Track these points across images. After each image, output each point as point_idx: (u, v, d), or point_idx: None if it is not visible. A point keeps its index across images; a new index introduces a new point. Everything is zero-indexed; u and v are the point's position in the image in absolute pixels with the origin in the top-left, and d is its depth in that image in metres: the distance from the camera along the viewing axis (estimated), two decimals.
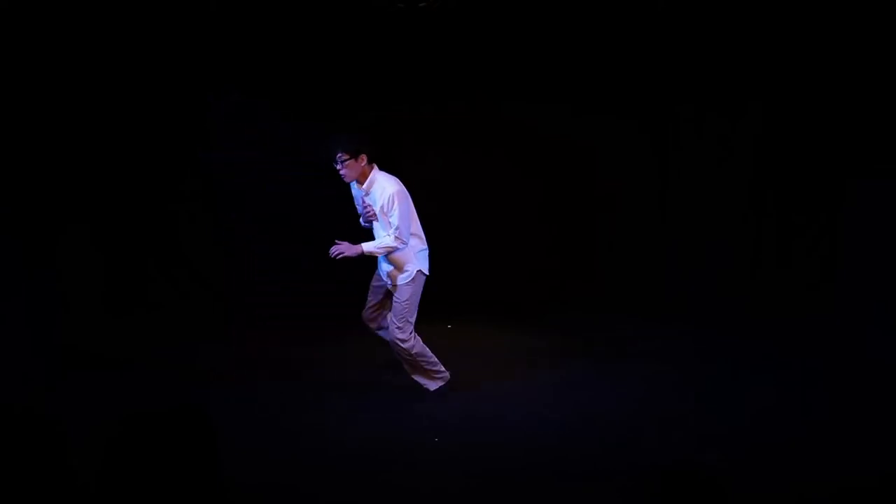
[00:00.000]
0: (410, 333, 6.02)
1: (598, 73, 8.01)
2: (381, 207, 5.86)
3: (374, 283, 6.31)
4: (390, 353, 6.95)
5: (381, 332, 6.34)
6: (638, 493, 4.46)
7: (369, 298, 6.32)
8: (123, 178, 7.83)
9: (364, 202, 5.99)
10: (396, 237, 5.83)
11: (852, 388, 6.09)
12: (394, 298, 6.05)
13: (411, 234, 5.95)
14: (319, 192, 8.45)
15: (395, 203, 5.83)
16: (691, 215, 8.00)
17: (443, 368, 6.21)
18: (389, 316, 6.11)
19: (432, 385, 6.18)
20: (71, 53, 7.19)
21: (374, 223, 6.00)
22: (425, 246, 6.13)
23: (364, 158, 5.88)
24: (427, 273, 6.11)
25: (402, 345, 6.01)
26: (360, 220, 6.16)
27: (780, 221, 7.79)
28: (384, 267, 6.11)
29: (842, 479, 4.73)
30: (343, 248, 5.87)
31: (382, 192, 5.86)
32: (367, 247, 5.88)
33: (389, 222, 5.85)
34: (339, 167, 5.88)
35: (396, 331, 6.00)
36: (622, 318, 7.84)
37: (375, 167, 5.97)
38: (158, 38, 7.62)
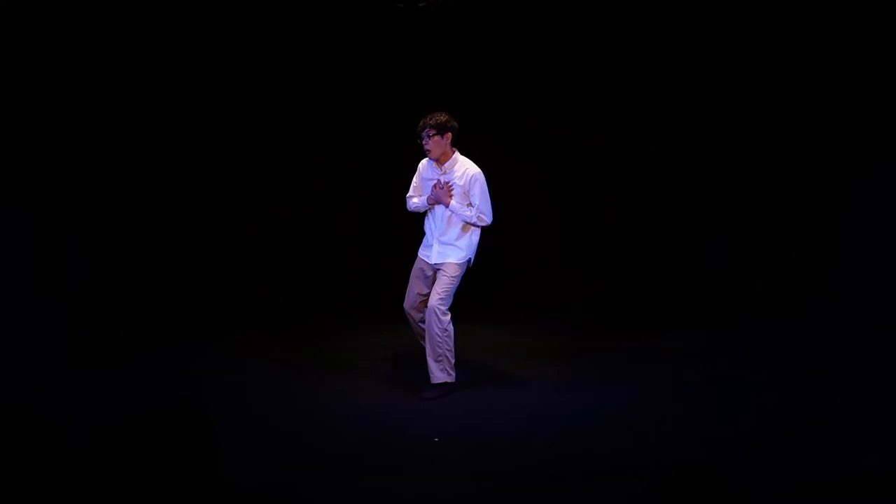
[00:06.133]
0: (449, 308, 6.18)
1: (598, 70, 8.00)
2: (463, 186, 6.17)
3: (418, 268, 6.39)
4: (395, 351, 6.97)
5: (423, 325, 6.29)
6: (645, 493, 4.45)
7: (416, 289, 6.37)
8: (123, 179, 7.83)
9: (438, 183, 6.21)
10: (479, 216, 6.18)
11: (854, 387, 6.09)
12: (441, 273, 6.23)
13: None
14: (318, 188, 8.49)
15: (479, 183, 6.18)
16: (692, 215, 7.99)
17: (453, 368, 6.22)
18: (433, 290, 6.21)
19: (438, 377, 6.17)
20: (70, 54, 7.19)
21: (434, 210, 6.27)
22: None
23: (450, 137, 6.20)
24: (473, 264, 6.34)
25: (440, 315, 6.11)
26: (414, 199, 6.40)
27: (781, 220, 7.78)
28: (441, 242, 6.25)
29: (843, 479, 4.72)
30: (441, 195, 6.15)
31: (465, 172, 6.21)
32: (454, 204, 6.18)
33: (470, 203, 6.17)
34: (424, 142, 6.16)
35: (438, 301, 6.13)
36: (623, 317, 7.84)
37: (457, 150, 6.26)
38: (158, 37, 7.62)
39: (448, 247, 6.28)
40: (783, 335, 7.17)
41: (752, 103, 7.68)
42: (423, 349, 6.28)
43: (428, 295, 6.26)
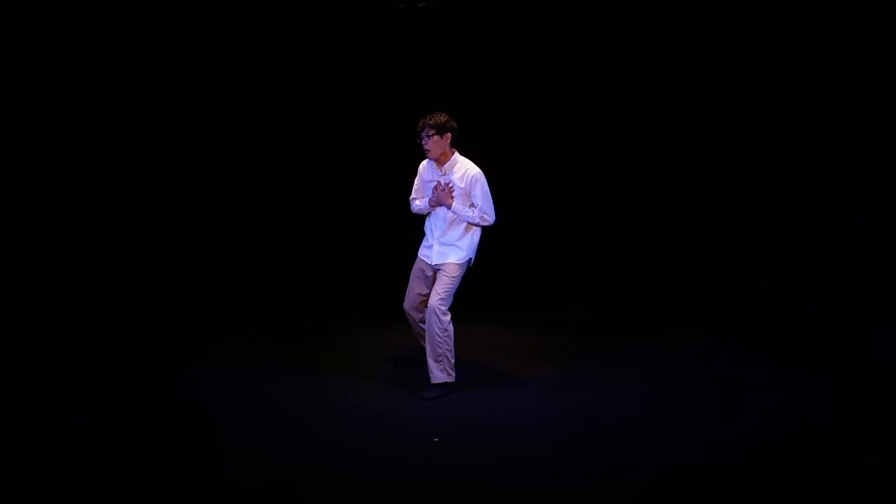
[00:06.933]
0: (449, 308, 6.18)
1: (598, 70, 8.00)
2: (464, 187, 6.19)
3: (418, 268, 6.40)
4: (395, 351, 6.97)
5: (423, 325, 6.30)
6: (645, 493, 4.45)
7: (416, 289, 6.38)
8: (123, 179, 7.82)
9: (439, 184, 6.24)
10: (482, 216, 6.20)
11: (854, 387, 6.08)
12: (441, 273, 6.23)
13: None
14: (318, 188, 8.49)
15: (479, 183, 6.19)
16: (692, 215, 7.99)
17: (453, 368, 6.23)
18: (433, 290, 6.22)
19: (438, 377, 6.18)
20: (70, 54, 7.19)
21: (436, 210, 6.29)
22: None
23: (449, 138, 6.21)
24: (473, 264, 6.34)
25: (440, 315, 6.11)
26: (418, 202, 6.41)
27: (781, 220, 7.77)
28: (442, 242, 6.26)
29: (843, 479, 4.72)
30: (443, 196, 6.19)
31: (465, 173, 6.22)
32: (456, 205, 6.21)
33: (472, 203, 6.20)
34: (424, 142, 6.16)
35: (439, 301, 6.14)
36: (623, 317, 7.84)
37: (457, 151, 6.26)
38: (158, 38, 7.62)
39: (449, 247, 6.28)
40: (783, 335, 7.16)
41: (752, 103, 7.68)
42: (423, 349, 6.28)
43: (428, 295, 6.26)
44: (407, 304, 6.43)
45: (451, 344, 6.19)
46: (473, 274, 6.44)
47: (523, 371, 6.74)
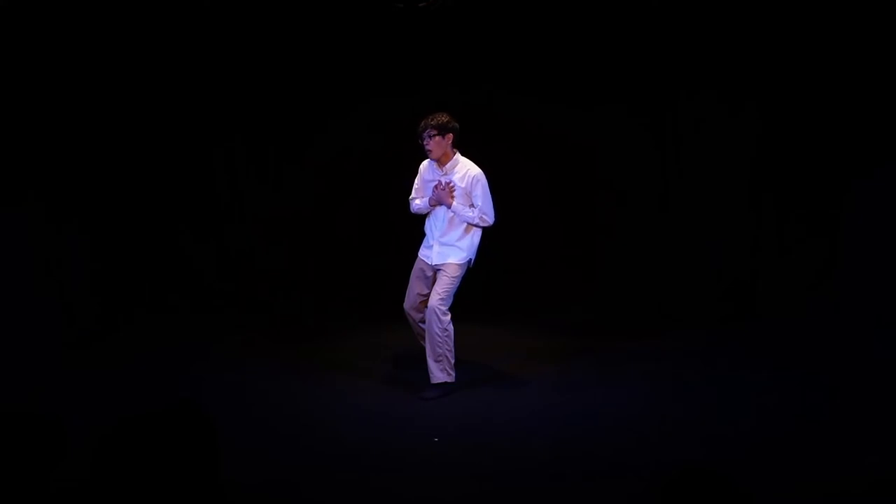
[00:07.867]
0: (449, 309, 6.18)
1: (598, 70, 8.00)
2: (465, 187, 6.20)
3: (418, 268, 6.40)
4: (395, 351, 6.97)
5: (423, 325, 6.30)
6: (645, 493, 4.46)
7: (416, 289, 6.38)
8: (123, 179, 7.82)
9: (439, 183, 6.24)
10: (481, 217, 6.20)
11: (854, 387, 6.08)
12: (441, 273, 6.24)
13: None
14: (318, 188, 8.49)
15: (480, 183, 6.20)
16: (692, 215, 7.99)
17: (453, 368, 6.23)
18: (433, 290, 6.22)
19: (438, 377, 6.18)
20: (70, 54, 7.19)
21: (436, 210, 6.29)
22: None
23: (451, 138, 6.21)
24: (473, 265, 6.34)
25: (440, 315, 6.11)
26: (417, 201, 6.41)
27: (781, 220, 7.78)
28: (442, 242, 6.26)
29: (843, 479, 4.72)
30: (443, 196, 6.19)
31: (466, 173, 6.23)
32: (455, 205, 6.21)
33: (472, 203, 6.21)
34: (425, 143, 6.17)
35: (439, 302, 6.14)
36: (623, 317, 7.83)
37: (458, 151, 6.27)
38: (158, 38, 7.62)
39: (449, 247, 6.29)
40: (783, 335, 7.16)
41: (752, 103, 7.68)
42: (423, 349, 6.29)
43: (428, 295, 6.26)
44: (407, 304, 6.43)
45: (451, 344, 6.19)
46: (473, 274, 6.44)
47: (523, 371, 6.74)
